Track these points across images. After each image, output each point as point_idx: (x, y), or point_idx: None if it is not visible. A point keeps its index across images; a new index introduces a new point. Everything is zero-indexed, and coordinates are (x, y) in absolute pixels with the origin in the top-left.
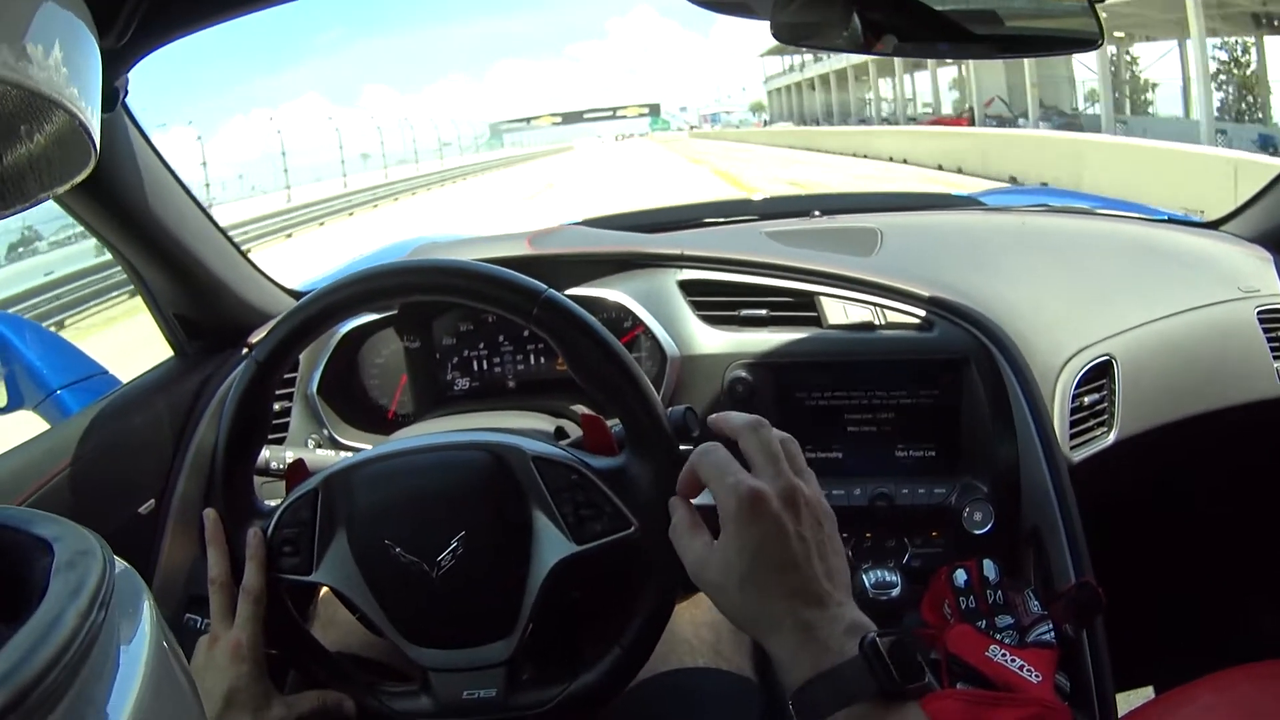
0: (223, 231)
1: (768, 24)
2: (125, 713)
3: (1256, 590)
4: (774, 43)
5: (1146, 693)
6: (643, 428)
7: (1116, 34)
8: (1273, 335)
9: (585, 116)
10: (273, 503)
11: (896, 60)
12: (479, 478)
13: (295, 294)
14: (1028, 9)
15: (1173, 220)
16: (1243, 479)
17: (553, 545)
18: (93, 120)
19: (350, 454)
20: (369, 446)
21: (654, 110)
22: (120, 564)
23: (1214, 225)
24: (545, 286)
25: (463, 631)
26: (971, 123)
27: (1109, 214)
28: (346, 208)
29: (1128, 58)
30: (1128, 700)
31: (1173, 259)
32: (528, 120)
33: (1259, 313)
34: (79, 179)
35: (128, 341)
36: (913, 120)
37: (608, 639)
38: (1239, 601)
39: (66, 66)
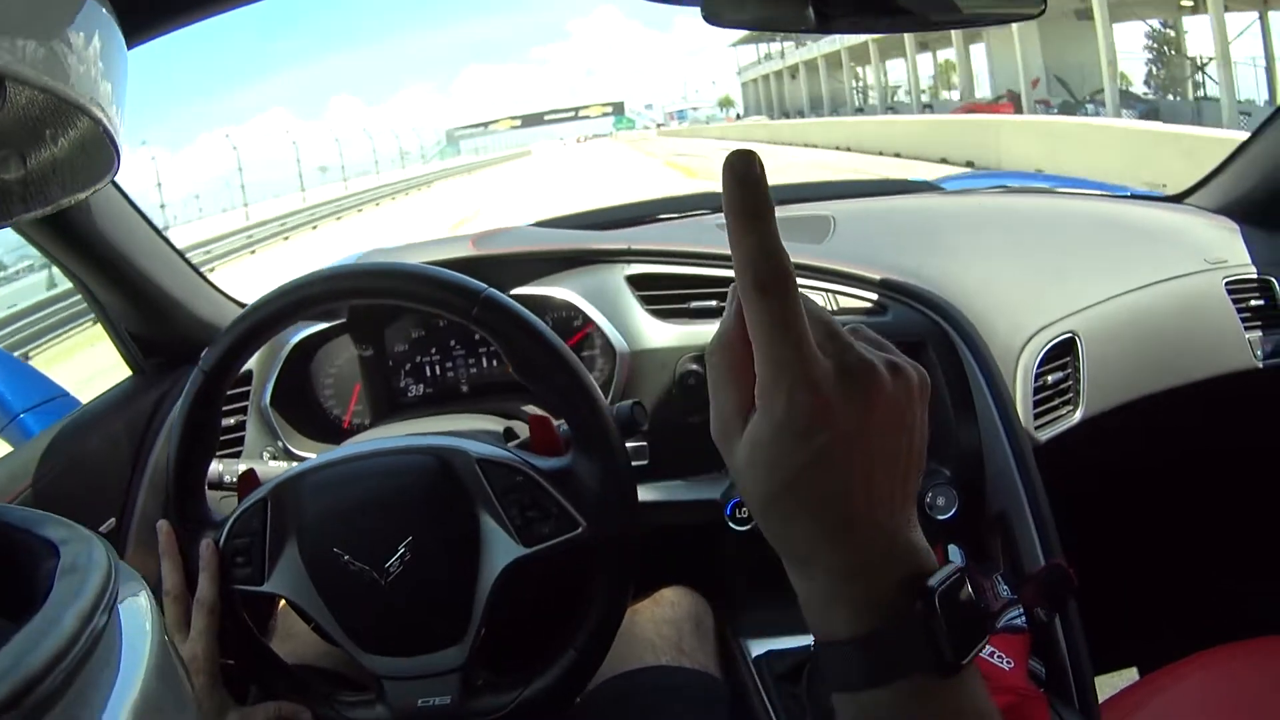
0: (174, 248)
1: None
2: (125, 713)
3: (1236, 566)
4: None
5: (1130, 674)
6: (587, 425)
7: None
8: (1242, 305)
9: (546, 119)
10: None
11: (908, 39)
12: (424, 482)
13: (244, 305)
14: None
15: (1135, 196)
16: (1216, 452)
17: (501, 548)
18: (118, 126)
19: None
20: None
21: (618, 109)
22: (125, 569)
23: (1178, 199)
24: (485, 286)
25: (415, 638)
26: (1018, 109)
27: (1069, 192)
28: (309, 221)
29: (1171, 32)
30: (1110, 682)
31: (1136, 233)
32: (485, 125)
33: (1227, 283)
34: (101, 185)
35: (93, 368)
36: (892, 110)
37: (562, 641)
38: (1219, 578)
39: (96, 71)
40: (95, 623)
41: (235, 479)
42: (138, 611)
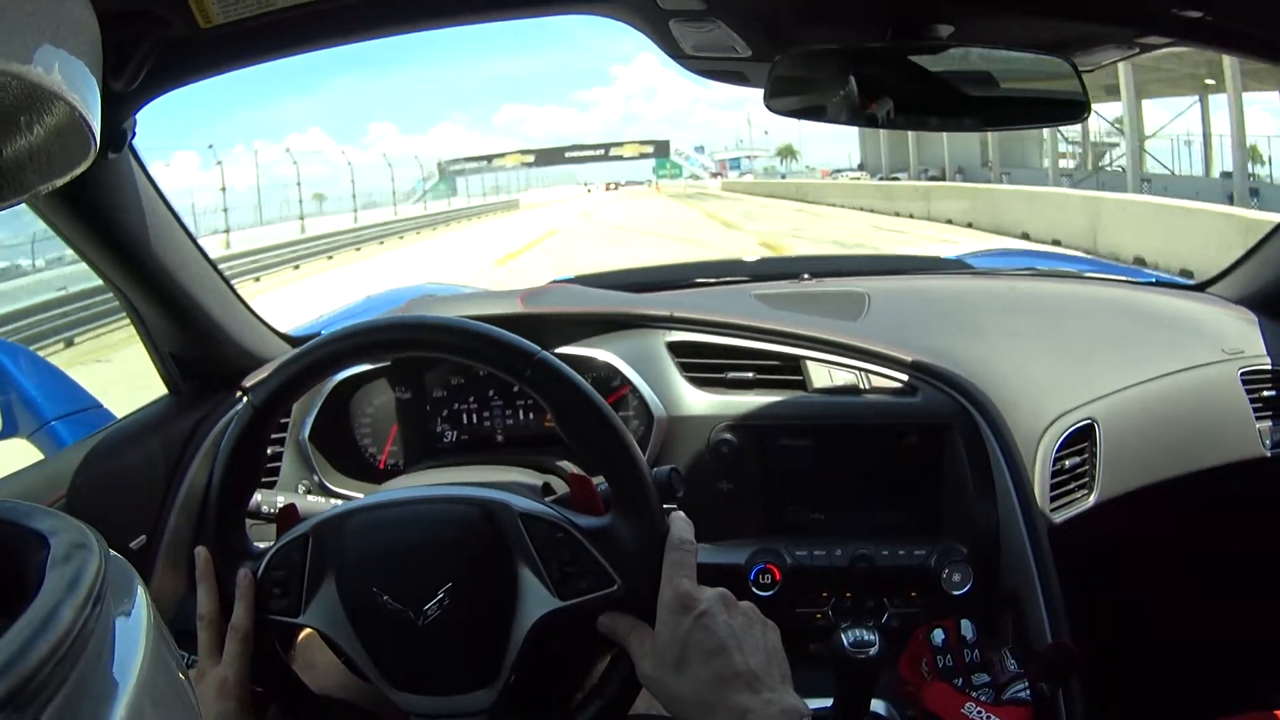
0: (222, 275)
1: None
2: (121, 705)
3: (1244, 645)
4: None
5: None
6: (629, 489)
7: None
8: (1255, 396)
9: (567, 155)
10: (263, 545)
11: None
12: (468, 532)
13: (289, 339)
14: (1016, 71)
15: (1160, 283)
16: (1225, 538)
17: (537, 600)
18: (93, 112)
19: (341, 502)
20: (358, 494)
21: (660, 149)
22: (115, 557)
23: (1201, 288)
24: (538, 348)
25: (446, 679)
26: None
27: (1095, 277)
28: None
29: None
30: None
31: (1158, 322)
32: (488, 160)
33: (1242, 374)
34: (78, 171)
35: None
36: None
37: (591, 692)
38: (1227, 656)
39: (67, 60)
40: (89, 613)
41: (274, 510)
42: (131, 601)
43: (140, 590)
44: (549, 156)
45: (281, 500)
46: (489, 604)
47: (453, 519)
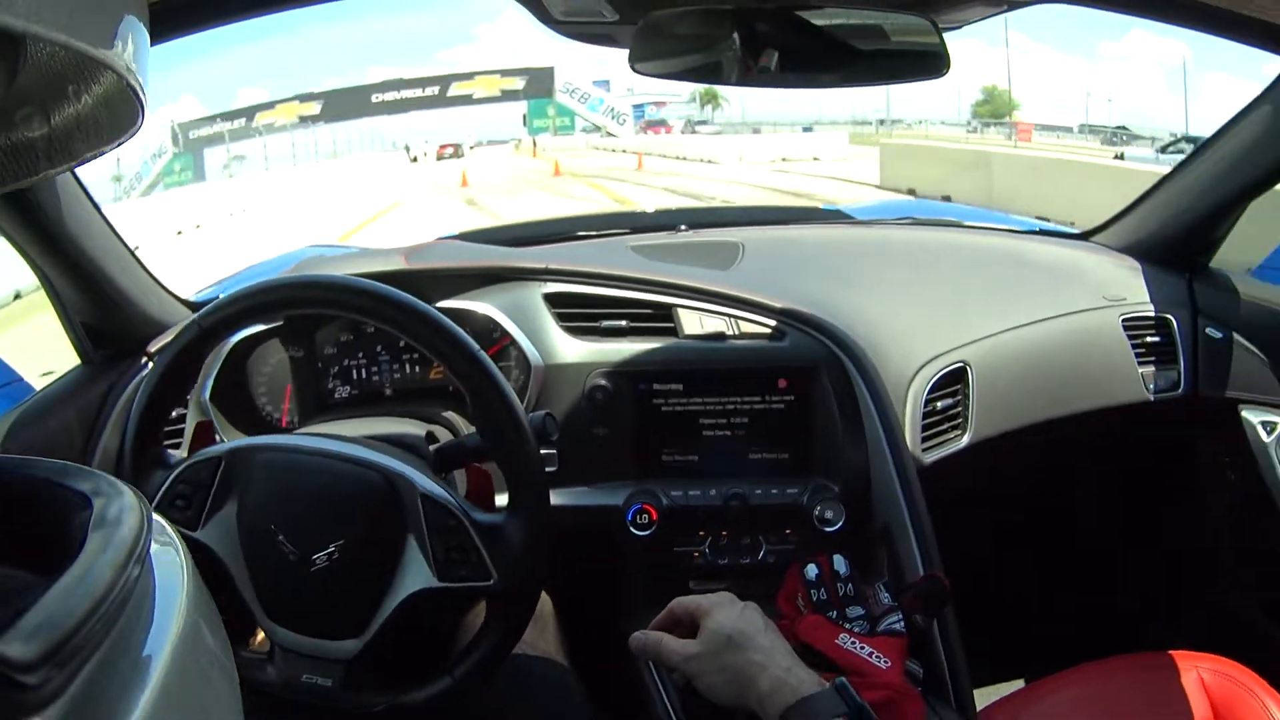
0: (125, 244)
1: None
2: (160, 663)
3: (1121, 584)
4: None
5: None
6: (524, 486)
7: None
8: (1138, 341)
9: (375, 100)
10: (177, 455)
11: None
12: (370, 496)
13: (192, 305)
14: (875, 29)
15: (1044, 232)
16: (1105, 478)
17: (417, 573)
18: (142, 80)
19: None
20: None
21: (537, 83)
22: (158, 521)
23: (1085, 236)
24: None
25: (319, 623)
26: None
27: (976, 226)
28: None
29: None
30: (1000, 691)
31: (1038, 269)
32: (245, 117)
33: (1124, 320)
34: (126, 139)
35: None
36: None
37: (443, 666)
38: (1106, 596)
39: (117, 25)
40: (129, 573)
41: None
42: (171, 561)
43: (182, 552)
44: (344, 103)
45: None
46: (374, 566)
47: (359, 480)
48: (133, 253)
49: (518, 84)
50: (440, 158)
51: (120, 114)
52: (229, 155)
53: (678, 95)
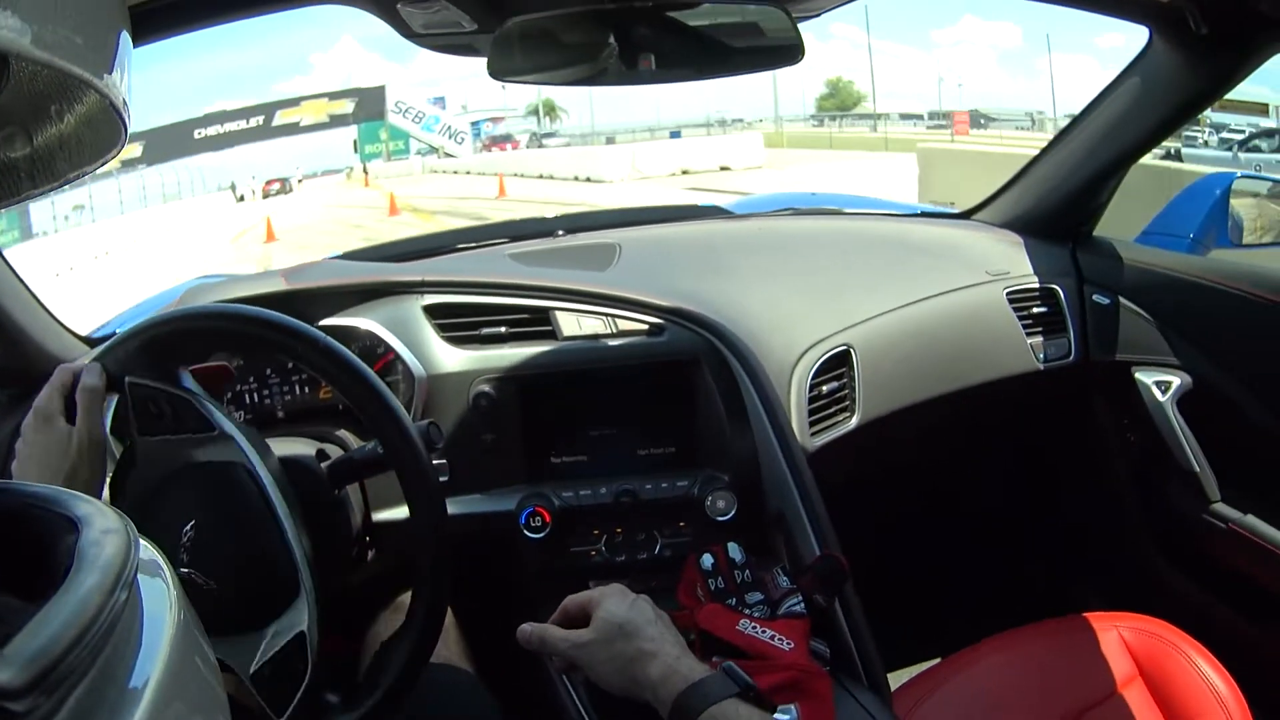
0: (20, 279)
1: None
2: (148, 689)
3: (1029, 553)
4: None
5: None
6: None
7: None
8: (1024, 313)
9: (197, 135)
10: None
11: None
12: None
13: (89, 340)
14: (729, 21)
15: (925, 214)
16: (1007, 450)
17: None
18: (124, 100)
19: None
20: None
21: (367, 104)
22: (145, 546)
23: (966, 215)
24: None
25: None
26: None
27: (856, 212)
28: None
29: None
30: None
31: (919, 250)
32: None
33: (1008, 293)
34: (109, 159)
35: None
36: None
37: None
38: (1015, 566)
39: (99, 45)
40: (117, 598)
41: None
42: (158, 587)
43: (169, 577)
44: (166, 142)
45: None
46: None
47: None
48: (31, 290)
49: (347, 106)
50: (267, 194)
51: (103, 133)
52: (70, 206)
53: (515, 110)
